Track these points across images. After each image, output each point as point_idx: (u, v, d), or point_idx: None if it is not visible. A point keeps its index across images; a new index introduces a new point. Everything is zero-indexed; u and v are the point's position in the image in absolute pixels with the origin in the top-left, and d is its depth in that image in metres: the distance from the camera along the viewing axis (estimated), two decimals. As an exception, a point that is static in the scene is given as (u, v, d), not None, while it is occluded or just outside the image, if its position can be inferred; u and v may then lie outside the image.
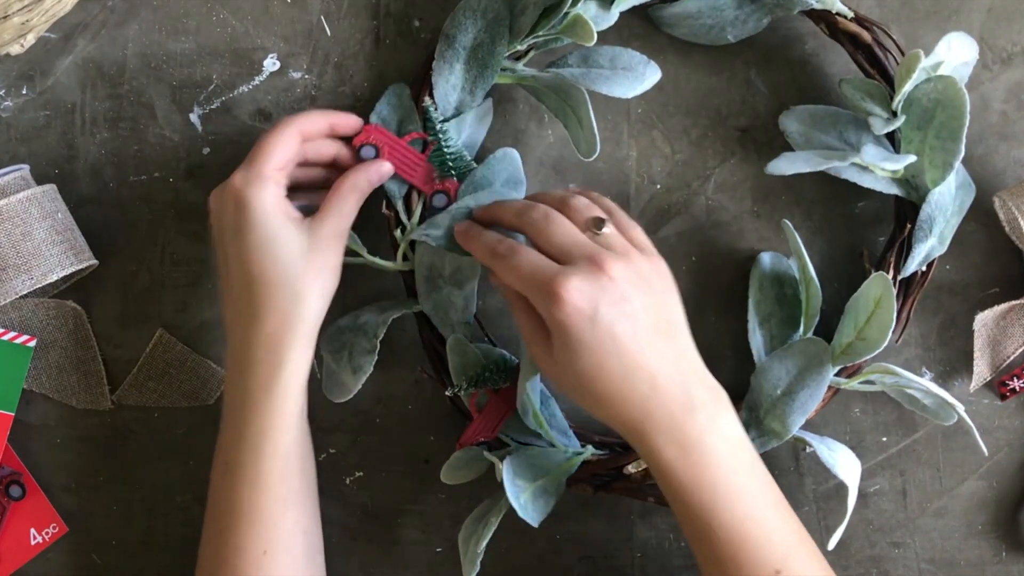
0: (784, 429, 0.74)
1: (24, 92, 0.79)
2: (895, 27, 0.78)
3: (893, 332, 0.72)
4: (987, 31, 0.78)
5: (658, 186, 0.79)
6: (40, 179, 0.79)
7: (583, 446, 0.76)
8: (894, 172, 0.74)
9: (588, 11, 0.73)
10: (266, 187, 0.68)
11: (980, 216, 0.78)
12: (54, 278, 0.75)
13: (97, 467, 0.81)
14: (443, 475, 0.75)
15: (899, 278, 0.75)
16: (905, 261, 0.75)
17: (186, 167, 0.80)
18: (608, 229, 0.67)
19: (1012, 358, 0.78)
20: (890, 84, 0.74)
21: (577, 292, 0.63)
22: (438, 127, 0.74)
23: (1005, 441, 0.79)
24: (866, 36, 0.75)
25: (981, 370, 0.78)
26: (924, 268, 0.76)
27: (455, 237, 0.71)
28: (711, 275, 0.79)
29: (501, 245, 0.68)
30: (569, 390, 0.66)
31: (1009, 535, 0.80)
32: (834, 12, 0.74)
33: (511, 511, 0.72)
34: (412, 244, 0.76)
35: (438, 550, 0.81)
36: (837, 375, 0.75)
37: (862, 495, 0.79)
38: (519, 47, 0.75)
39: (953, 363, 0.79)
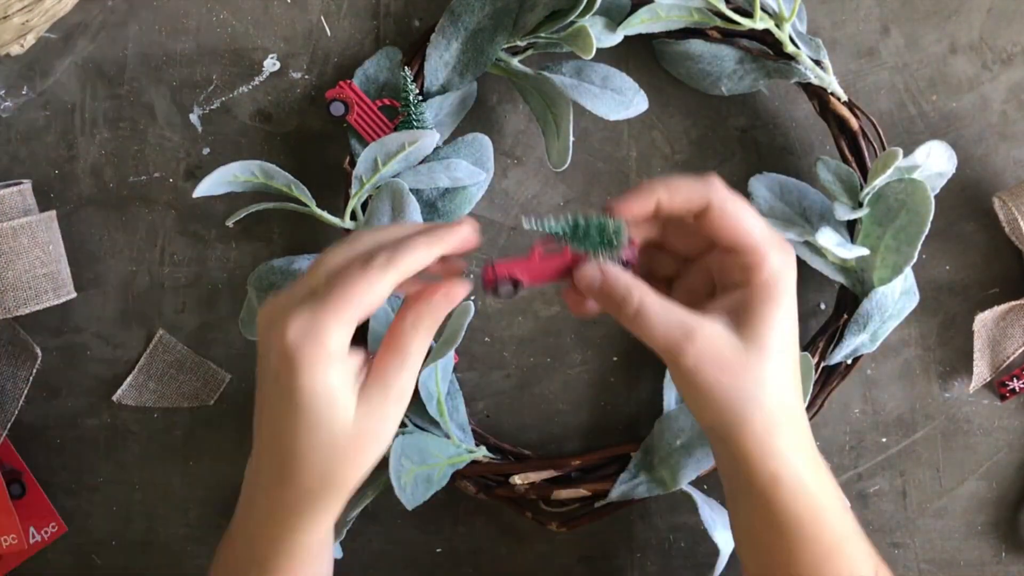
0: (672, 481, 0.75)
1: (24, 92, 0.79)
2: (895, 27, 0.78)
3: None
4: (987, 31, 0.78)
5: (658, 186, 0.79)
6: (40, 180, 0.79)
7: (477, 445, 0.77)
8: (844, 261, 0.74)
9: (594, 26, 0.73)
10: (326, 368, 0.55)
11: (980, 216, 0.78)
12: (25, 311, 0.74)
13: (97, 467, 0.81)
14: None
15: (823, 364, 0.76)
16: (833, 350, 0.75)
17: (186, 167, 0.79)
18: None
19: (1012, 358, 0.78)
20: (864, 174, 0.74)
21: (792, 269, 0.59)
22: (412, 100, 0.74)
23: (1005, 441, 0.79)
24: (853, 123, 0.75)
25: (981, 370, 0.78)
26: (849, 361, 0.77)
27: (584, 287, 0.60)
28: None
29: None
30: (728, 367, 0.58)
31: (1009, 535, 0.80)
32: (829, 91, 0.75)
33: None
34: (364, 204, 0.75)
35: (438, 550, 0.81)
36: None
37: (862, 495, 0.80)
38: (519, 43, 0.75)
39: (953, 363, 0.79)
